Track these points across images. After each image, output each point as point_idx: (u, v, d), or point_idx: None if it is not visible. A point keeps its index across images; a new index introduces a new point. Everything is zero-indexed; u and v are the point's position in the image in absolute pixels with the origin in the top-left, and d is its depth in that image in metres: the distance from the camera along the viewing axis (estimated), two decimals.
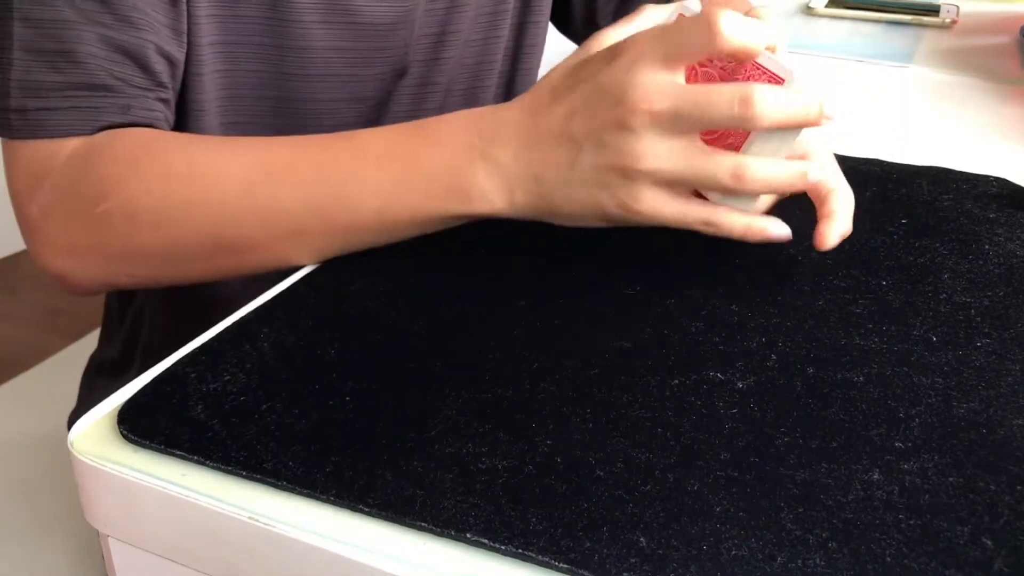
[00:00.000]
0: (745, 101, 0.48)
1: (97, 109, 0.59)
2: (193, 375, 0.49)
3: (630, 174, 0.50)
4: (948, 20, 1.11)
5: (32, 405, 1.17)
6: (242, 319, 0.54)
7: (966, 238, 0.62)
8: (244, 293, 0.56)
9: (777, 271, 0.58)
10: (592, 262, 0.59)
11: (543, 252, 0.60)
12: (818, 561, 0.38)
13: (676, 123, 0.49)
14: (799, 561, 0.38)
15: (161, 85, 0.62)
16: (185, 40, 0.65)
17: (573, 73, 0.52)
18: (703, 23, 0.48)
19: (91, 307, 0.89)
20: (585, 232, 0.62)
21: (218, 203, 0.55)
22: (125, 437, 0.45)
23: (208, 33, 0.66)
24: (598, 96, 0.50)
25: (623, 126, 0.49)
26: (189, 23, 0.65)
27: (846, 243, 0.61)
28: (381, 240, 0.57)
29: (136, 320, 0.83)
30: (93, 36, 0.59)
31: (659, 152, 0.49)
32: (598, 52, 0.52)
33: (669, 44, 0.49)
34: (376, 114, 0.75)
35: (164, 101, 0.63)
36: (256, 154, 0.56)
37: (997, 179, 0.70)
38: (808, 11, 1.15)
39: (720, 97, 0.48)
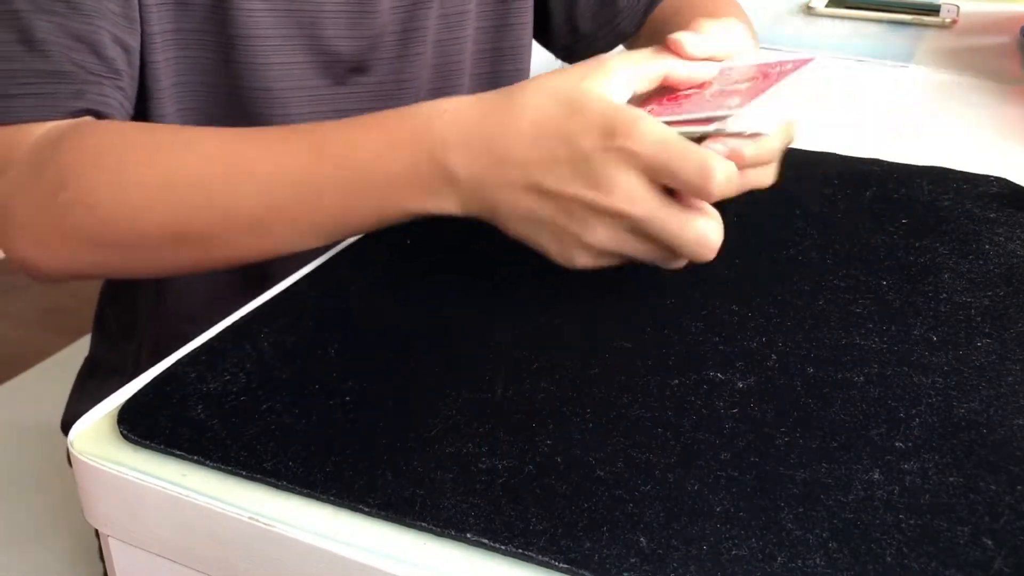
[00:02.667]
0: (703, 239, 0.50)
1: (53, 95, 0.59)
2: (193, 375, 0.49)
3: (581, 244, 0.51)
4: (948, 20, 1.11)
5: (32, 405, 1.16)
6: (242, 319, 0.54)
7: (966, 238, 0.62)
8: (238, 303, 0.56)
9: (777, 271, 0.58)
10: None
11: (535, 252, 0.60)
12: (818, 561, 0.38)
13: (639, 228, 0.50)
14: (799, 561, 0.38)
15: (116, 72, 0.62)
16: (138, 28, 0.65)
17: (564, 122, 0.50)
18: (702, 169, 0.48)
19: (92, 306, 0.89)
20: None
21: (175, 197, 0.55)
22: (125, 437, 0.45)
23: (159, 21, 0.66)
24: (580, 172, 0.49)
25: (592, 209, 0.50)
26: (141, 12, 0.65)
27: (846, 243, 0.61)
28: (344, 235, 0.57)
29: (128, 325, 0.83)
30: (48, 25, 0.59)
31: (615, 239, 0.51)
32: (598, 115, 0.50)
33: (665, 164, 0.48)
34: (331, 107, 0.75)
35: (120, 89, 0.62)
36: (216, 147, 0.56)
37: (997, 179, 0.70)
38: (808, 11, 1.15)
39: (686, 232, 0.49)
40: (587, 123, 0.49)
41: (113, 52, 0.62)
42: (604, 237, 0.50)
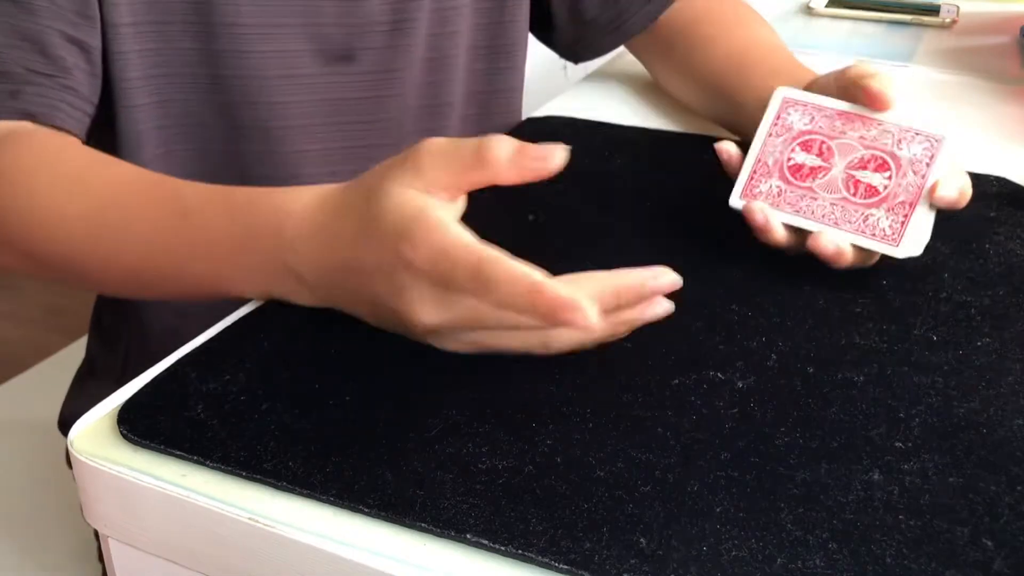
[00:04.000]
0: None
1: None
2: (193, 375, 0.49)
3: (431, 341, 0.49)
4: (948, 20, 1.10)
5: (32, 405, 1.16)
6: (242, 319, 0.54)
7: (966, 238, 0.62)
8: (236, 304, 0.56)
9: (777, 271, 0.58)
10: (592, 262, 0.59)
11: (543, 252, 0.60)
12: (818, 562, 0.38)
13: (466, 327, 0.47)
14: (799, 562, 0.38)
15: (65, 71, 0.62)
16: (98, 24, 0.65)
17: (370, 229, 0.47)
18: (476, 278, 0.44)
19: (91, 307, 0.89)
20: (585, 231, 0.62)
21: (67, 232, 0.58)
22: (125, 437, 0.45)
23: (131, 13, 0.66)
24: (387, 284, 0.47)
25: (410, 322, 0.48)
26: (102, 6, 0.65)
27: None
28: (224, 298, 0.57)
29: (120, 327, 0.83)
30: None
31: (457, 342, 0.49)
32: (391, 218, 0.46)
33: (442, 275, 0.45)
34: (319, 94, 0.75)
35: (68, 88, 0.63)
36: (110, 195, 0.58)
37: (997, 179, 0.70)
38: (808, 11, 1.15)
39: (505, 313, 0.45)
40: (383, 229, 0.47)
41: (63, 51, 0.62)
42: (445, 342, 0.49)
